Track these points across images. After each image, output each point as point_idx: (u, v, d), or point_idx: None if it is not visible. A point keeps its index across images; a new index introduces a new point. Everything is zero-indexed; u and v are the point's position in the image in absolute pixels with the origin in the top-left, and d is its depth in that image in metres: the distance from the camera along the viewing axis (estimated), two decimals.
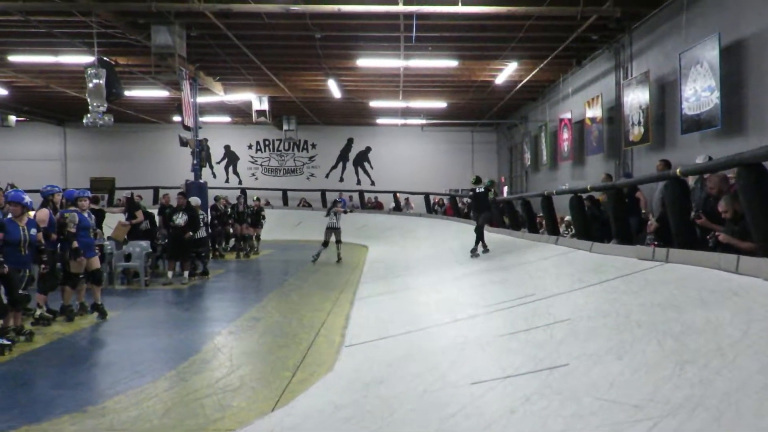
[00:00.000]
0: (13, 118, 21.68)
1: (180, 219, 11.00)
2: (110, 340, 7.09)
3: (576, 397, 3.14)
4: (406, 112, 22.37)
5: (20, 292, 6.55)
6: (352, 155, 26.80)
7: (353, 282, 10.84)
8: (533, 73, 15.91)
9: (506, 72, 15.69)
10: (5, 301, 6.35)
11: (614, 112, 13.52)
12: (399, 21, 11.80)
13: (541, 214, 11.81)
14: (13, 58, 14.31)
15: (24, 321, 6.92)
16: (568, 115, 16.36)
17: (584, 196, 9.29)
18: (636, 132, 11.97)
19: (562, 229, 11.23)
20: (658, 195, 10.12)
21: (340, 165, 26.84)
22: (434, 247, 14.43)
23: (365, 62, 14.83)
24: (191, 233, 10.95)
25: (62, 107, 21.98)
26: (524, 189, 21.55)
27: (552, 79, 17.23)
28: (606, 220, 8.62)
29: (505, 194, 22.74)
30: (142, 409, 4.54)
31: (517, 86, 17.57)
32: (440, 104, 20.60)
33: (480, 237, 10.80)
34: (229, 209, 15.78)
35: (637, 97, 11.91)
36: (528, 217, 12.04)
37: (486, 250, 10.70)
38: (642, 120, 11.70)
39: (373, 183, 26.40)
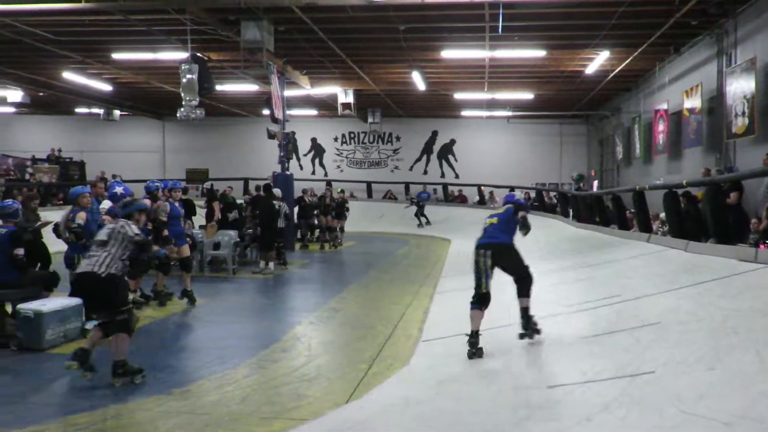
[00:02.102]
0: (117, 112, 23.02)
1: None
2: (197, 325, 7.39)
3: (659, 408, 2.94)
4: (492, 104, 21.94)
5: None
6: (436, 148, 26.64)
7: (434, 276, 10.76)
8: (626, 62, 15.16)
9: (597, 61, 15.04)
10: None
11: (715, 102, 12.66)
12: (484, 11, 11.54)
13: (632, 211, 11.26)
14: (116, 56, 15.18)
15: None
16: (664, 106, 15.48)
17: (680, 192, 8.76)
18: (739, 123, 11.16)
19: (655, 226, 10.67)
20: (764, 191, 9.41)
21: (424, 157, 26.75)
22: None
23: (449, 54, 14.64)
24: (271, 227, 11.09)
25: (160, 101, 23.12)
26: (615, 184, 20.65)
27: (647, 68, 16.35)
28: (703, 217, 8.09)
29: (594, 189, 21.89)
30: (222, 394, 4.69)
31: (609, 76, 16.81)
32: (527, 95, 20.04)
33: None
34: (315, 201, 16.10)
35: (741, 86, 11.09)
36: (618, 213, 11.51)
37: None
38: (746, 110, 10.89)
39: (457, 176, 26.14)
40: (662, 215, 10.16)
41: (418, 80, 16.87)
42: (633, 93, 18.98)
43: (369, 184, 25.10)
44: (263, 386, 4.88)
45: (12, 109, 24.24)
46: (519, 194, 10.36)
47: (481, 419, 3.55)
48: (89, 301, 5.11)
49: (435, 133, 26.58)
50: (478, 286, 5.19)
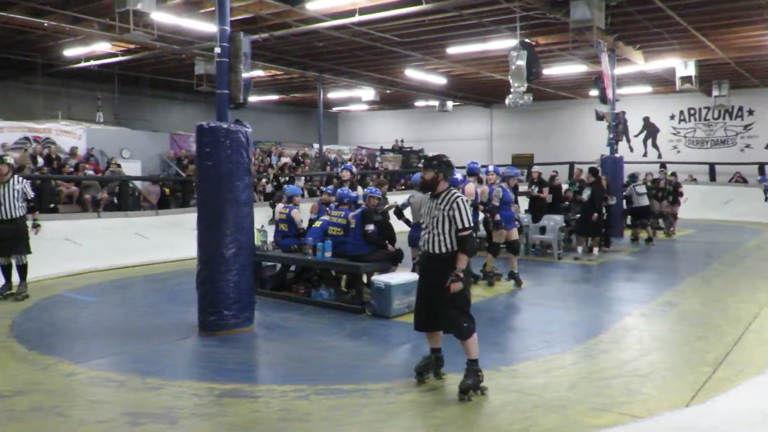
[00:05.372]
0: (450, 103, 24.76)
1: (585, 194, 10.88)
2: (523, 307, 7.56)
3: None
4: None
5: None
6: None
7: None
8: None
9: None
10: None
11: None
12: None
13: None
14: (450, 51, 16.24)
15: None
16: None
17: None
18: None
19: None
20: None
21: None
22: None
23: None
24: (595, 215, 10.64)
25: (489, 90, 24.04)
26: None
27: None
28: None
29: None
30: (550, 378, 4.72)
31: None
32: None
33: None
34: (647, 185, 14.95)
35: None
36: None
37: None
38: None
39: None
40: None
41: None
42: None
43: (712, 165, 22.25)
44: (591, 376, 4.77)
45: (365, 107, 28.00)
46: None
47: None
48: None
49: None
50: None
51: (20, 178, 7.52)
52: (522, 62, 12.17)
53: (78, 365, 5.09)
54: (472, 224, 4.38)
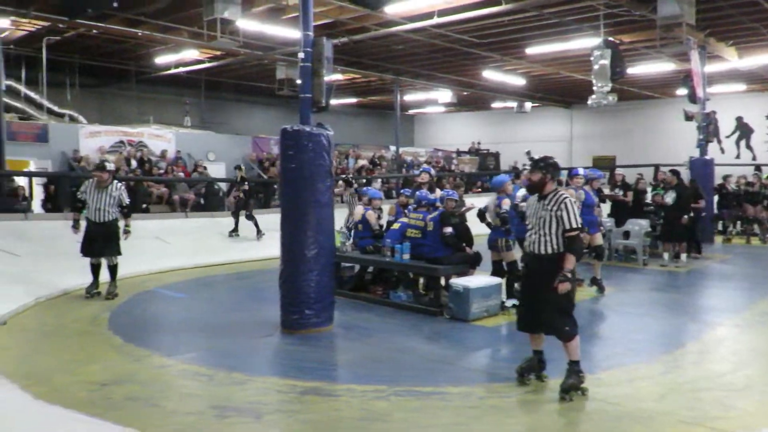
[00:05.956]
0: (528, 105, 24.32)
1: (669, 198, 10.40)
2: (606, 314, 7.33)
3: None
4: None
5: None
6: None
7: None
8: None
9: None
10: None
11: None
12: None
13: None
14: (529, 51, 15.95)
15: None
16: None
17: None
18: None
19: None
20: None
21: None
22: None
23: None
24: (685, 216, 10.15)
25: (569, 91, 23.45)
26: None
27: None
28: None
29: None
30: (635, 388, 4.56)
31: None
32: None
33: None
34: (740, 188, 14.15)
35: None
36: None
37: None
38: None
39: None
40: None
41: None
42: None
43: None
44: (681, 387, 4.57)
45: (441, 109, 27.95)
46: None
47: None
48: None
49: None
50: None
51: (118, 185, 7.79)
52: (605, 61, 11.82)
53: (169, 358, 5.35)
54: (580, 225, 4.40)
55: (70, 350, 5.62)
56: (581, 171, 8.73)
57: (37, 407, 4.03)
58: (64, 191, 12.83)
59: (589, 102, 12.38)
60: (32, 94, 16.97)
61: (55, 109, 17.48)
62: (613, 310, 7.41)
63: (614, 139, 26.04)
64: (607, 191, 12.19)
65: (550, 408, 4.24)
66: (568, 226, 4.34)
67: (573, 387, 4.31)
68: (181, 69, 17.23)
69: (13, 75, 15.86)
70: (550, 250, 4.40)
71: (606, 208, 11.82)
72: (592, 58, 12.09)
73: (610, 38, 12.64)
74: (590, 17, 12.48)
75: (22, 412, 3.94)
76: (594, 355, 5.62)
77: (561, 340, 4.39)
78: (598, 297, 8.01)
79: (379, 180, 18.22)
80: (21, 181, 12.93)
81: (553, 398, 4.32)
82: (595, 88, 12.08)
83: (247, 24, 11.87)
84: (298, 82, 6.57)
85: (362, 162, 19.36)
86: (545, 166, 4.53)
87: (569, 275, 4.29)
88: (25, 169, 14.32)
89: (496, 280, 6.93)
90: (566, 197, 4.44)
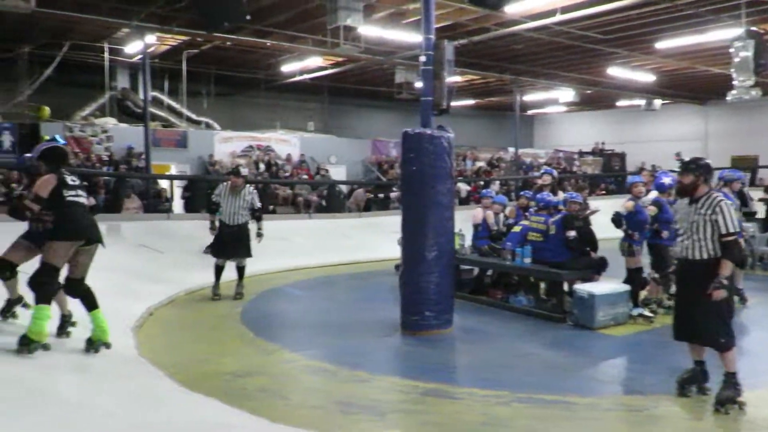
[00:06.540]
0: (658, 102, 22.90)
1: None
2: (750, 327, 6.75)
3: None
4: None
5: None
6: None
7: None
8: None
9: None
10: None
11: None
12: None
13: None
14: (659, 45, 15.05)
15: (661, 295, 7.20)
16: None
17: None
18: None
19: None
20: None
21: None
22: None
23: None
24: None
25: (704, 86, 21.84)
26: None
27: None
28: None
29: None
30: None
31: None
32: None
33: None
34: None
35: None
36: None
37: None
38: None
39: None
40: None
41: None
42: None
43: None
44: None
45: (563, 108, 27.04)
46: None
47: None
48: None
49: None
50: None
51: (251, 189, 8.12)
52: (748, 53, 10.93)
53: (295, 353, 5.59)
54: (737, 229, 4.17)
55: (207, 341, 6.04)
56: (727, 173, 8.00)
57: (181, 394, 4.35)
58: (200, 193, 13.76)
59: (729, 97, 11.53)
60: (173, 104, 18.43)
61: (193, 116, 18.88)
62: (758, 324, 6.82)
63: (758, 137, 23.87)
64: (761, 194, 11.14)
65: (681, 426, 3.99)
66: (724, 231, 4.11)
67: (729, 399, 4.07)
68: (306, 76, 17.97)
69: (157, 86, 17.29)
70: (705, 255, 4.18)
71: (762, 211, 10.82)
72: (731, 50, 11.25)
73: (753, 28, 11.67)
74: (730, 6, 11.59)
75: (171, 398, 4.27)
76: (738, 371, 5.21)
77: (717, 351, 4.19)
78: (739, 308, 7.38)
79: (497, 182, 17.94)
80: (163, 183, 14.06)
81: (681, 415, 4.07)
82: (735, 82, 11.24)
83: (368, 30, 12.16)
84: (418, 85, 6.64)
85: (480, 164, 19.18)
86: (697, 168, 4.30)
87: (725, 282, 4.05)
88: (166, 173, 15.57)
89: (624, 287, 6.60)
90: (721, 200, 4.20)
